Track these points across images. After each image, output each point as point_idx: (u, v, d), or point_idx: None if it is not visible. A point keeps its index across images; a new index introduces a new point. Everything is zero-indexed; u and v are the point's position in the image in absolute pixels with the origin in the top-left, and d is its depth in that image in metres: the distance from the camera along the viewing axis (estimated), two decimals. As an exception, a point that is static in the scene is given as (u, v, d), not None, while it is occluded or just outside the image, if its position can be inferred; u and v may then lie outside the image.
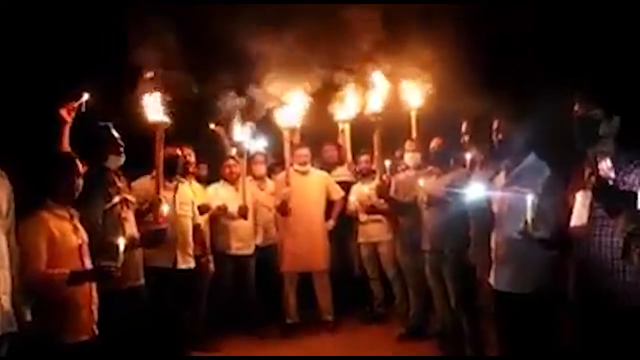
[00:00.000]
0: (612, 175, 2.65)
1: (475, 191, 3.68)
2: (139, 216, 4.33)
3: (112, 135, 4.12)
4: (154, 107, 4.39)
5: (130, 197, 4.18)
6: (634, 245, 2.65)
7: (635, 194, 2.61)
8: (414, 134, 5.62)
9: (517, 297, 3.52)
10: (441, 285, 5.03)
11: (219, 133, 6.18)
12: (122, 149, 4.13)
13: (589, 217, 3.04)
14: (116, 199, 4.02)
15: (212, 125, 6.19)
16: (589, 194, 3.05)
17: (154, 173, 4.53)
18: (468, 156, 4.87)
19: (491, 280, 3.73)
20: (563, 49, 4.97)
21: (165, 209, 4.37)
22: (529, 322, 3.44)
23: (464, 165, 4.98)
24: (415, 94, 5.51)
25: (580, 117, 3.07)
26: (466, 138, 4.64)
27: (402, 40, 4.98)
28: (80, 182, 3.47)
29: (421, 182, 4.95)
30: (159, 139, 4.40)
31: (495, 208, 3.68)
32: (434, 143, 5.11)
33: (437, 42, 4.79)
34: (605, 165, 2.65)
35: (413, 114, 5.60)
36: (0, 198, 2.89)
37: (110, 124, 4.13)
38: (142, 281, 4.21)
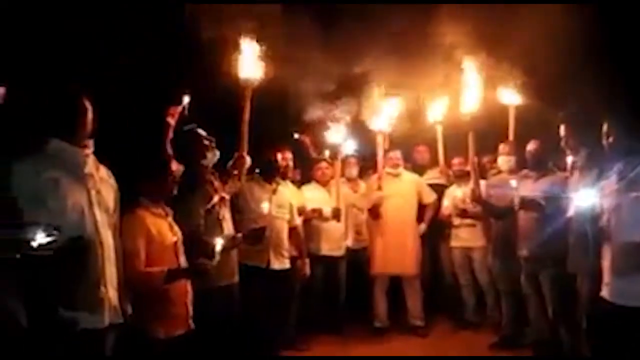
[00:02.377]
0: None
1: (583, 196, 3.49)
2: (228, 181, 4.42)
3: (200, 136, 4.24)
4: (245, 65, 4.41)
5: (226, 195, 4.29)
6: None
7: None
8: (511, 136, 5.45)
9: (636, 311, 3.29)
10: (538, 294, 4.84)
11: (304, 141, 6.23)
12: (213, 145, 4.25)
13: None
14: (215, 199, 4.14)
15: (296, 135, 6.25)
16: None
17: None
18: (569, 160, 4.66)
19: (604, 292, 3.51)
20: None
21: (265, 207, 4.49)
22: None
23: (563, 169, 4.78)
24: (514, 93, 5.32)
25: None
26: (567, 141, 4.42)
27: (500, 38, 4.82)
28: (176, 181, 3.60)
29: (514, 184, 4.77)
30: (246, 98, 4.46)
31: (607, 215, 3.46)
32: (531, 146, 4.93)
33: (538, 40, 4.60)
34: None
35: (512, 114, 5.42)
36: (108, 196, 3.01)
37: (194, 127, 4.25)
38: (237, 279, 4.30)
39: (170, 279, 3.36)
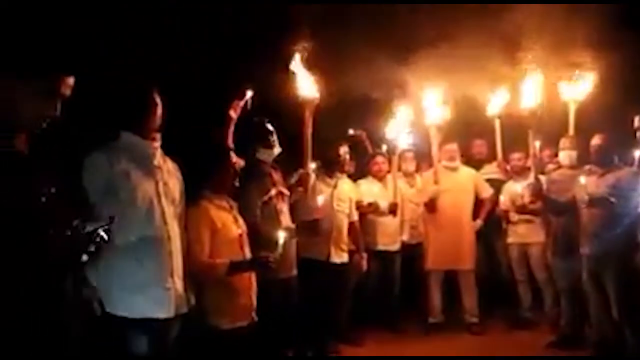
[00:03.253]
0: None
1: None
2: (291, 194, 4.47)
3: (264, 129, 4.29)
4: (304, 84, 4.46)
5: (285, 190, 4.34)
6: None
7: None
8: (571, 130, 5.32)
9: None
10: (601, 293, 4.71)
11: (360, 137, 6.21)
12: (274, 142, 4.29)
13: None
14: (272, 192, 4.19)
15: (351, 131, 6.24)
16: None
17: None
18: (637, 154, 4.52)
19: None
20: None
21: (320, 199, 4.51)
22: None
23: (629, 164, 4.63)
24: (575, 87, 5.19)
25: None
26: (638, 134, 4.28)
27: (562, 31, 4.71)
28: (236, 174, 3.64)
29: (583, 180, 4.65)
30: (308, 117, 4.49)
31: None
32: (596, 140, 4.80)
33: (603, 30, 4.47)
34: None
35: (572, 109, 5.29)
36: (174, 186, 3.09)
37: (264, 119, 4.30)
38: (295, 272, 4.34)
39: (234, 271, 3.42)
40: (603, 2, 4.74)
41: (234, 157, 3.74)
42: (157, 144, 3.02)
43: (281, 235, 3.43)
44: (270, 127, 4.33)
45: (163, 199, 2.98)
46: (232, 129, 4.45)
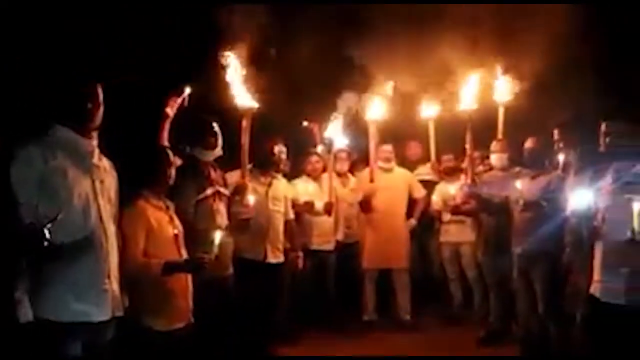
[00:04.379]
0: None
1: (577, 196, 3.56)
2: (229, 204, 4.42)
3: (209, 129, 4.22)
4: (242, 93, 4.45)
5: (223, 190, 4.29)
6: None
7: None
8: (500, 134, 5.46)
9: (624, 309, 3.37)
10: (529, 290, 4.89)
11: (313, 129, 6.20)
12: (215, 143, 4.23)
13: None
14: (208, 191, 4.13)
15: (305, 122, 6.22)
16: None
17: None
18: (561, 158, 4.73)
19: (594, 290, 3.59)
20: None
21: (251, 199, 4.48)
22: (631, 336, 3.30)
23: (556, 168, 4.84)
24: (505, 90, 5.34)
25: None
26: (560, 142, 4.48)
27: (498, 34, 4.86)
28: (173, 173, 3.58)
29: (518, 183, 4.82)
30: (246, 126, 4.49)
31: (601, 214, 3.54)
32: (529, 144, 4.98)
33: (538, 37, 4.64)
34: None
35: (501, 112, 5.45)
36: (110, 185, 3.00)
37: (210, 119, 4.24)
38: (231, 271, 4.30)
39: (169, 271, 3.34)
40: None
41: (171, 156, 3.65)
42: (95, 142, 2.91)
43: (216, 236, 3.39)
44: (215, 127, 4.26)
45: (99, 198, 2.88)
46: (167, 126, 4.37)
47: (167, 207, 3.55)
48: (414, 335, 6.01)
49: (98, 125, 2.88)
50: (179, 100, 4.37)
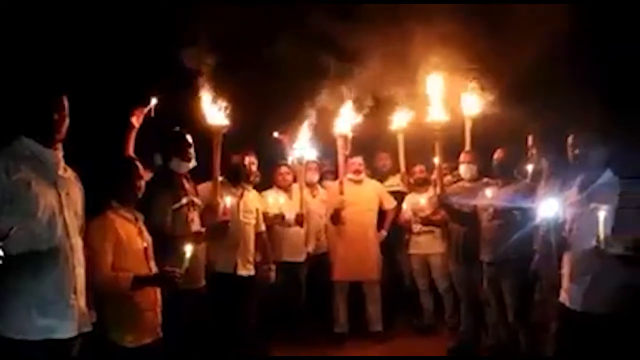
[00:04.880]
0: None
1: (547, 205, 3.61)
2: (202, 216, 4.40)
3: (183, 141, 4.21)
4: (212, 111, 4.46)
5: (196, 200, 4.27)
6: None
7: None
8: (467, 146, 5.50)
9: (594, 317, 3.42)
10: (499, 299, 4.94)
11: (284, 141, 6.20)
12: (190, 155, 4.21)
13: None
14: (184, 201, 4.12)
15: (275, 133, 6.21)
16: None
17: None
18: (530, 168, 4.79)
19: (563, 298, 3.64)
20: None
21: (227, 200, 4.52)
22: (601, 343, 3.34)
23: (525, 178, 4.91)
24: (472, 103, 5.40)
25: None
26: (533, 151, 4.55)
27: (466, 46, 4.91)
28: (142, 184, 3.53)
29: (488, 193, 4.87)
30: (217, 143, 4.49)
31: (569, 224, 3.60)
32: (498, 154, 5.04)
33: (505, 49, 4.71)
34: None
35: (468, 125, 5.50)
36: (76, 197, 2.93)
37: (183, 130, 4.21)
38: (204, 283, 4.27)
39: (137, 285, 3.28)
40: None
41: (140, 167, 3.60)
42: (60, 153, 2.84)
43: (187, 249, 3.33)
44: (189, 139, 4.23)
45: (65, 210, 2.80)
46: (133, 136, 4.33)
47: (137, 219, 3.49)
48: (385, 346, 6.01)
49: (63, 137, 2.81)
50: (145, 110, 4.33)
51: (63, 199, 2.81)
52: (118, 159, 3.79)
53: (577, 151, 3.64)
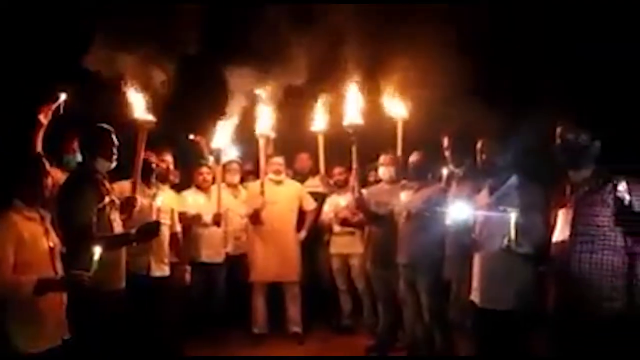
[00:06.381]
0: (628, 197, 2.69)
1: (458, 208, 3.72)
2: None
3: (109, 141, 4.08)
4: (138, 106, 4.36)
5: (115, 199, 4.15)
6: None
7: None
8: (399, 149, 5.52)
9: (501, 314, 3.57)
10: (414, 299, 5.04)
11: (199, 142, 6.08)
12: (115, 155, 4.09)
13: (571, 234, 3.15)
14: (106, 200, 3.99)
15: (191, 135, 6.09)
16: (570, 211, 3.17)
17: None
18: (444, 172, 4.92)
19: (474, 297, 3.77)
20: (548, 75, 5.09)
21: (158, 201, 4.47)
22: (509, 338, 3.49)
23: (440, 181, 5.03)
24: (401, 105, 5.47)
25: (567, 141, 3.20)
26: (447, 153, 4.67)
27: (386, 50, 4.99)
28: (49, 183, 3.38)
29: (403, 196, 4.95)
30: (141, 139, 4.39)
31: (478, 226, 3.74)
32: (414, 157, 5.13)
33: (422, 54, 4.80)
34: (623, 188, 2.70)
35: (399, 125, 5.53)
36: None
37: (110, 128, 4.07)
38: (123, 285, 4.14)
39: (42, 289, 3.13)
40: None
41: (47, 165, 3.45)
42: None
43: (96, 251, 3.22)
44: (115, 139, 4.10)
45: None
46: (40, 133, 4.16)
47: (43, 219, 3.34)
48: (304, 347, 6.03)
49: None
50: (53, 106, 4.15)
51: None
52: (21, 157, 3.60)
53: (484, 156, 3.77)
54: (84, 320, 3.40)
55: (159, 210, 4.77)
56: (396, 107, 5.44)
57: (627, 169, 3.04)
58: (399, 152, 5.52)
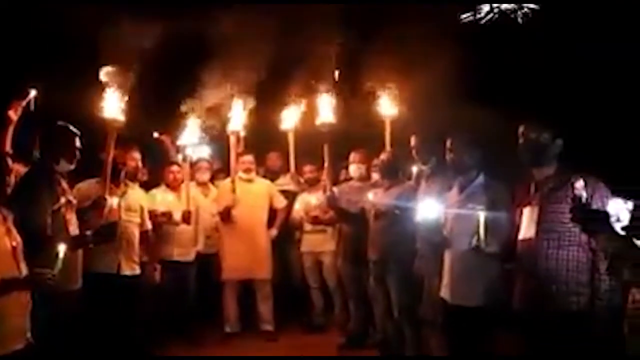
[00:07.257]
0: (585, 195, 2.74)
1: (427, 206, 3.76)
2: (81, 217, 4.20)
3: (72, 142, 4.02)
4: (109, 105, 4.31)
5: (72, 199, 4.07)
6: (618, 264, 2.75)
7: (608, 214, 2.73)
8: (387, 147, 5.49)
9: (470, 310, 3.62)
10: (385, 296, 5.07)
11: (164, 141, 6.03)
12: (76, 158, 4.02)
13: (537, 232, 3.20)
14: (62, 200, 3.91)
15: (156, 134, 6.03)
16: (536, 209, 3.23)
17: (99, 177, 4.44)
18: (414, 170, 4.95)
19: (444, 294, 3.81)
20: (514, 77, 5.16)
21: (114, 201, 4.41)
22: (478, 334, 3.55)
23: (409, 179, 5.06)
24: (388, 103, 5.48)
25: (529, 139, 3.25)
26: (416, 152, 4.69)
27: (360, 48, 5.00)
28: (11, 181, 3.32)
29: (371, 195, 4.98)
30: (110, 138, 4.35)
31: (448, 224, 3.78)
32: (384, 156, 5.16)
33: (396, 54, 4.83)
34: (579, 185, 2.74)
35: (388, 123, 5.53)
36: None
37: (74, 131, 4.00)
38: (80, 285, 4.08)
39: (5, 289, 3.07)
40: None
41: (10, 163, 3.38)
42: None
43: (61, 249, 3.17)
44: (78, 141, 4.04)
45: None
46: (10, 131, 4.08)
47: (5, 218, 3.27)
48: (276, 345, 6.02)
49: None
50: (23, 103, 4.08)
51: None
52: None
53: (452, 155, 3.81)
54: (40, 321, 3.32)
55: (121, 208, 4.72)
56: (385, 106, 5.45)
57: (590, 168, 3.11)
58: (387, 147, 5.48)
